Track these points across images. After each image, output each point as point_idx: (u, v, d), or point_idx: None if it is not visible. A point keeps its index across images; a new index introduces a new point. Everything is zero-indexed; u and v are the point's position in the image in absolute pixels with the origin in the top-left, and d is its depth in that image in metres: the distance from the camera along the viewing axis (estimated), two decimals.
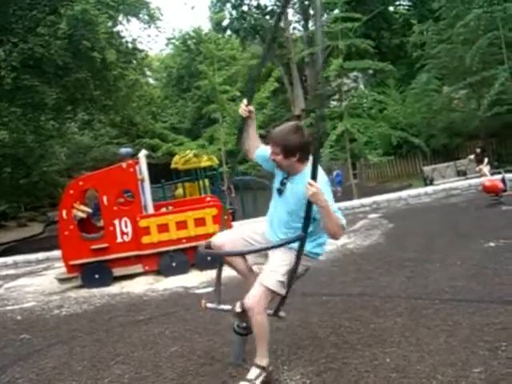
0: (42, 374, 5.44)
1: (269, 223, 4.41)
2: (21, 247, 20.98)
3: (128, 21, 23.98)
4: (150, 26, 24.02)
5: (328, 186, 4.16)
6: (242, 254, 4.39)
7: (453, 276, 6.81)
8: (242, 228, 4.63)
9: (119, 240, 10.01)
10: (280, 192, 4.27)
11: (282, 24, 33.68)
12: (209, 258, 9.17)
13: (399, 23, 33.70)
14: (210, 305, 4.70)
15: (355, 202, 16.07)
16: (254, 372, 4.23)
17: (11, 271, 13.63)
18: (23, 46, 18.03)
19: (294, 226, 4.22)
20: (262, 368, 4.23)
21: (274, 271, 4.17)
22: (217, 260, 4.78)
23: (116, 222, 10.01)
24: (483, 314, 5.22)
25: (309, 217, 3.99)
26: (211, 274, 8.69)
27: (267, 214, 4.46)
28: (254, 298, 4.12)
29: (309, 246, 4.23)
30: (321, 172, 4.09)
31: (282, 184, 4.24)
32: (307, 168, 4.09)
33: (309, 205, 3.93)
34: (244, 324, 4.64)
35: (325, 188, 4.00)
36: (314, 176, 3.88)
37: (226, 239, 4.44)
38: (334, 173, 25.97)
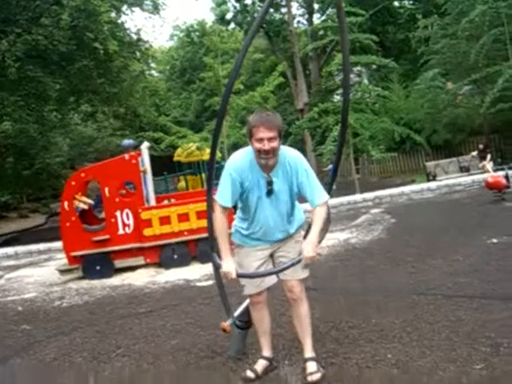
0: (42, 365, 5.43)
1: (263, 228, 4.33)
2: (22, 238, 20.97)
3: (132, 11, 23.94)
4: (154, 15, 24.02)
5: (308, 165, 4.25)
6: (277, 273, 4.34)
7: (455, 272, 6.79)
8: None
9: (121, 232, 10.02)
10: (269, 193, 4.22)
11: (286, 17, 33.62)
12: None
13: (404, 18, 33.50)
14: (229, 322, 4.69)
15: (357, 197, 16.05)
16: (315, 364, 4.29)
17: (12, 262, 13.66)
18: (27, 37, 18.00)
19: (292, 212, 4.42)
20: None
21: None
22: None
23: (118, 213, 10.01)
24: (485, 310, 5.20)
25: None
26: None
27: (255, 224, 4.33)
28: (301, 292, 4.40)
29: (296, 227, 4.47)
30: (298, 154, 4.28)
31: (269, 184, 4.18)
32: (279, 156, 4.20)
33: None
34: (246, 318, 4.64)
35: (307, 167, 4.22)
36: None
37: (261, 290, 4.43)
38: (329, 167, 25.94)
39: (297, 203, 4.48)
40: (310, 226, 4.34)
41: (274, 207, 4.26)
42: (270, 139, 4.05)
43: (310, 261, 4.10)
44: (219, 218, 4.22)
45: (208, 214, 4.44)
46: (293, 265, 4.18)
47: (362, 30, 22.91)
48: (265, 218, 4.29)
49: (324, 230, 4.30)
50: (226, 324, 4.66)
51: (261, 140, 4.05)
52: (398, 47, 33.11)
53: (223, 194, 4.20)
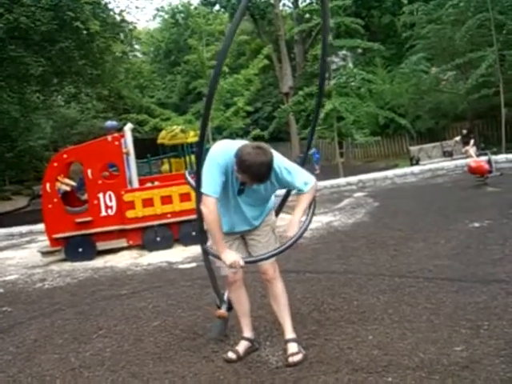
0: (23, 346, 5.42)
1: (230, 221, 4.32)
2: (5, 220, 20.79)
3: None
4: None
5: (282, 160, 4.16)
6: (275, 255, 4.29)
7: (436, 255, 6.83)
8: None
9: (103, 214, 9.97)
10: (240, 192, 4.17)
11: (271, 0, 33.45)
12: (193, 233, 9.12)
13: (389, 1, 33.44)
14: (223, 308, 4.75)
15: (341, 181, 16.07)
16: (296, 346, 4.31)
17: None
18: (8, 17, 17.77)
19: (264, 207, 4.43)
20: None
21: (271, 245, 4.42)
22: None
23: (100, 195, 9.95)
24: (466, 293, 5.23)
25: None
26: (195, 249, 8.69)
27: (223, 215, 4.27)
28: (275, 272, 4.43)
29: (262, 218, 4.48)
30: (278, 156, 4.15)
31: (242, 184, 4.11)
32: None
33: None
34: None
35: (283, 164, 4.13)
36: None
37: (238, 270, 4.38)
38: (312, 150, 25.95)
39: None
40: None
41: (244, 204, 4.25)
42: (249, 183, 4.06)
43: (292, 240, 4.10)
44: (214, 210, 4.05)
45: (197, 208, 4.36)
46: (288, 248, 4.16)
47: (346, 13, 22.80)
48: (232, 213, 4.29)
49: (311, 214, 4.28)
50: (222, 311, 4.68)
51: (244, 181, 4.04)
52: (383, 32, 33.10)
53: (213, 185, 4.03)
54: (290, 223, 4.17)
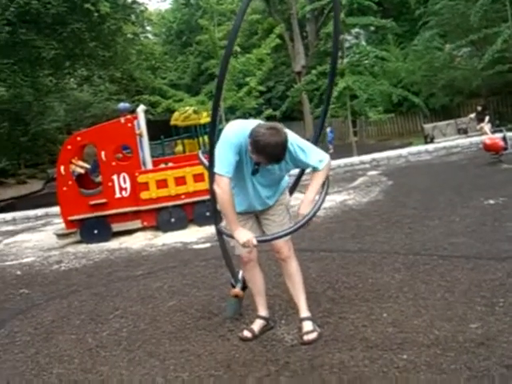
0: (41, 327, 5.48)
1: (246, 199, 4.32)
2: (20, 204, 20.96)
3: None
4: None
5: (295, 138, 4.14)
6: (288, 234, 4.30)
7: (451, 232, 6.81)
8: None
9: (118, 195, 10.01)
10: (255, 172, 4.16)
11: None
12: (207, 214, 9.15)
13: None
14: (238, 287, 4.79)
15: (355, 159, 16.02)
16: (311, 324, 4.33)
17: (10, 227, 13.66)
18: (19, 1, 17.75)
19: (278, 186, 4.43)
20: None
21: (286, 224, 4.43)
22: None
23: (114, 177, 9.99)
24: (481, 270, 5.22)
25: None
26: (209, 229, 8.72)
27: (239, 196, 4.29)
28: (289, 250, 4.44)
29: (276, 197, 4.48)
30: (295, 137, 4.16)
31: (257, 164, 4.09)
32: None
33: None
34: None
35: (297, 142, 4.12)
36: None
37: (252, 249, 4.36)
38: (328, 129, 25.87)
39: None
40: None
41: (259, 183, 4.24)
42: (262, 163, 4.06)
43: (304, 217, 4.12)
44: (227, 190, 4.04)
45: (210, 188, 4.35)
46: (302, 226, 4.16)
47: None
48: (246, 192, 4.29)
49: (324, 193, 4.27)
50: (237, 290, 4.70)
51: (259, 161, 4.03)
52: (396, 8, 32.70)
53: (226, 165, 4.01)
54: (303, 201, 4.17)
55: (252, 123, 4.05)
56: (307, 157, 4.12)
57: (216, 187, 4.07)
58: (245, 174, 4.19)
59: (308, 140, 4.47)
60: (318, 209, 4.17)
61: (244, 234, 4.09)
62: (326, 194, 4.30)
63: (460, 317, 4.23)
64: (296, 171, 4.99)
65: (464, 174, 11.37)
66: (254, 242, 4.06)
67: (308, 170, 4.39)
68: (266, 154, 3.87)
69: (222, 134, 4.11)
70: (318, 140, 5.02)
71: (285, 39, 30.71)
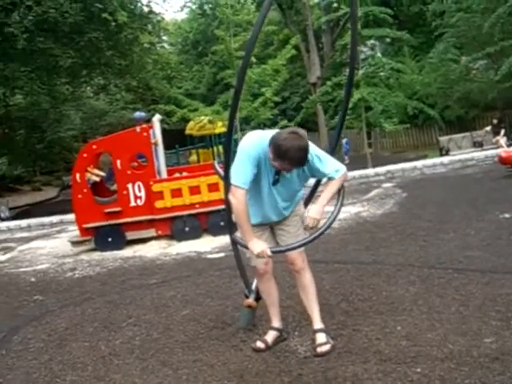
0: (54, 334, 5.51)
1: (263, 211, 4.31)
2: (35, 211, 21.10)
3: None
4: None
5: (314, 148, 4.15)
6: (303, 245, 4.30)
7: (466, 246, 6.77)
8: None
9: (132, 204, 10.06)
10: (276, 182, 4.17)
11: None
12: (221, 223, 9.17)
13: None
14: (252, 297, 4.79)
15: (369, 171, 16.00)
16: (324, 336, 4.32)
17: (25, 234, 13.76)
18: (37, 9, 17.92)
19: (294, 197, 4.42)
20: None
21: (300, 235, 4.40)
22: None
23: (129, 185, 10.04)
24: (496, 284, 5.18)
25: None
26: (223, 239, 8.73)
27: (254, 207, 4.27)
28: (303, 262, 4.43)
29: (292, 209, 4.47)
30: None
31: (277, 174, 4.11)
32: None
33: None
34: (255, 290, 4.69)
35: (315, 152, 4.14)
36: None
37: (267, 260, 4.39)
38: (343, 141, 25.88)
39: None
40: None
41: (278, 194, 4.24)
42: (288, 170, 4.05)
43: (313, 223, 4.12)
44: (242, 201, 4.05)
45: (226, 198, 4.37)
46: (315, 239, 4.16)
47: (374, 2, 22.62)
48: (263, 204, 4.28)
49: (340, 205, 4.27)
50: (251, 300, 4.71)
51: (282, 168, 4.02)
52: (412, 20, 32.68)
53: (243, 176, 4.03)
54: (313, 205, 4.22)
55: (269, 133, 4.06)
56: (324, 166, 4.14)
57: (231, 197, 4.09)
58: (264, 185, 4.19)
59: (325, 151, 4.48)
60: (334, 220, 4.16)
61: (258, 245, 4.09)
62: (342, 205, 4.29)
63: (474, 331, 4.20)
64: (311, 183, 4.98)
65: (479, 187, 11.31)
66: (269, 252, 4.06)
67: (323, 181, 4.39)
68: (290, 158, 3.87)
69: (239, 146, 4.13)
70: (334, 151, 5.01)
71: (300, 50, 30.77)
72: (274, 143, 3.90)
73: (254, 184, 4.13)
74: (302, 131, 4.00)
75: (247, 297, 4.83)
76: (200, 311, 5.58)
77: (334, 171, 4.15)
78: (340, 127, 5.34)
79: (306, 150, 3.90)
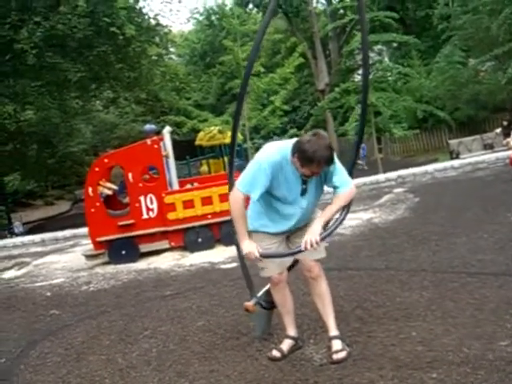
0: (71, 348, 5.55)
1: (283, 221, 4.33)
2: (48, 225, 21.23)
3: None
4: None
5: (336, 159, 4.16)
6: (297, 253, 4.30)
7: (479, 249, 6.76)
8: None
9: (145, 216, 10.11)
10: (304, 192, 4.18)
11: None
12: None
13: None
14: (252, 302, 4.80)
15: (380, 177, 15.98)
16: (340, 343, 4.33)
17: (39, 249, 13.83)
18: (45, 25, 18.07)
19: (315, 204, 4.43)
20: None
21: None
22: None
23: (141, 198, 10.09)
24: (510, 287, 5.18)
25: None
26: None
27: (276, 217, 4.31)
28: (320, 270, 4.45)
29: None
30: None
31: (304, 183, 4.14)
32: None
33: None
34: (270, 298, 4.70)
35: (336, 160, 4.13)
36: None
37: (282, 269, 4.45)
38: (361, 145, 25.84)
39: None
40: None
41: (307, 203, 4.25)
42: (317, 173, 4.05)
43: (310, 243, 4.06)
44: (240, 202, 4.15)
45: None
46: (300, 251, 4.18)
47: (379, 7, 22.66)
48: (291, 216, 4.29)
49: (345, 212, 4.30)
50: (250, 304, 4.72)
51: (312, 172, 4.01)
52: (419, 24, 32.71)
53: (254, 187, 4.07)
54: (309, 231, 4.15)
55: (287, 144, 4.11)
56: (334, 173, 4.15)
57: (230, 196, 4.24)
58: (290, 198, 4.19)
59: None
60: (336, 227, 4.25)
61: (247, 246, 4.17)
62: (348, 212, 4.34)
63: (489, 335, 4.20)
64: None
65: (491, 190, 11.28)
66: (256, 254, 4.11)
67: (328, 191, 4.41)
68: (318, 158, 3.88)
69: (255, 156, 4.20)
70: (356, 157, 5.04)
71: (308, 57, 30.86)
72: (299, 149, 3.92)
73: (269, 198, 4.20)
74: (323, 132, 4.05)
75: (261, 305, 4.83)
76: (215, 322, 5.61)
77: (342, 182, 4.17)
78: (361, 133, 5.39)
79: (331, 148, 3.96)
